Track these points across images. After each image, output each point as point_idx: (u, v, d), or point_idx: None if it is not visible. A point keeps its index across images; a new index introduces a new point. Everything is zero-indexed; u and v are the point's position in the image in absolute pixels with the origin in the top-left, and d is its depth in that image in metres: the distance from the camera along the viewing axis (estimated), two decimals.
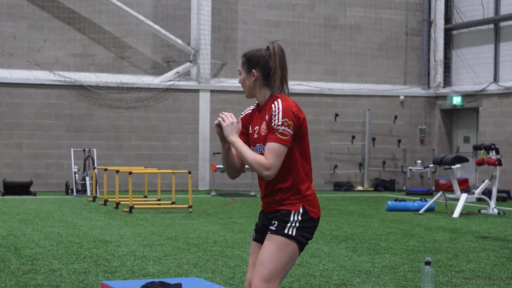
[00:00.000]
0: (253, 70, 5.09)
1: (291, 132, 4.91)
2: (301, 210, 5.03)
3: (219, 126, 5.08)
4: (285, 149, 4.92)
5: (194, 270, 9.35)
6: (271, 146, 4.91)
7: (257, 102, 5.20)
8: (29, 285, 8.27)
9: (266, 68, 5.10)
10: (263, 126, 5.03)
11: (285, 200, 5.04)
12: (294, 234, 5.00)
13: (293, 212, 5.02)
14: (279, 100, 5.00)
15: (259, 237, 5.22)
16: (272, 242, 5.01)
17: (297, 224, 5.02)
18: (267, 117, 5.00)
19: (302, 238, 5.03)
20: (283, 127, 4.90)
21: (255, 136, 5.08)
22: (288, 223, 5.01)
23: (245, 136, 5.20)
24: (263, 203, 5.19)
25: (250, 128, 5.16)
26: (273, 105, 4.98)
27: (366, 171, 26.43)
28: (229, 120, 5.06)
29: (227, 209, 17.96)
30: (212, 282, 8.13)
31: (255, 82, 5.10)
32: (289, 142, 4.92)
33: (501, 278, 9.14)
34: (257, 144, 5.08)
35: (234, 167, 5.23)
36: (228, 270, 9.35)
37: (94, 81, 23.73)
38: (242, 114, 5.27)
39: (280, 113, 4.94)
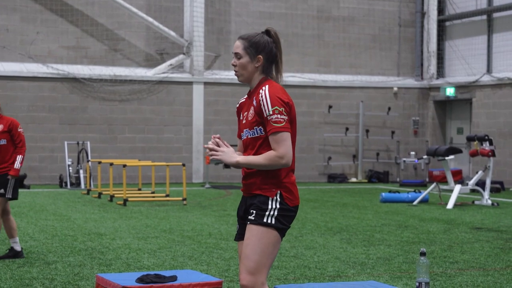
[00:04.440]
0: (260, 56, 5.07)
1: (286, 116, 4.91)
2: (277, 198, 5.02)
3: (211, 153, 5.06)
4: (286, 134, 4.91)
5: (189, 262, 9.35)
6: (272, 137, 4.92)
7: (249, 88, 5.20)
8: (24, 278, 8.27)
9: (270, 55, 5.10)
10: (251, 111, 5.04)
11: (263, 184, 5.02)
12: (273, 222, 5.00)
13: (270, 198, 5.02)
14: (266, 86, 4.99)
15: (242, 232, 5.22)
16: (253, 234, 5.02)
17: (275, 213, 5.02)
18: (254, 102, 5.00)
19: (282, 225, 5.02)
20: (275, 116, 4.89)
21: (243, 122, 5.09)
22: (266, 211, 5.01)
23: None
24: (243, 186, 5.19)
25: (242, 115, 5.16)
26: (260, 91, 4.98)
27: (360, 163, 26.46)
28: (220, 150, 5.04)
29: (221, 202, 17.97)
30: (207, 274, 8.13)
31: (257, 68, 5.09)
32: (287, 128, 4.91)
33: (495, 268, 9.17)
34: (244, 130, 5.09)
35: None
36: (223, 262, 9.36)
37: (87, 74, 23.69)
38: (237, 105, 5.28)
39: (269, 102, 4.93)
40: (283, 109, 4.91)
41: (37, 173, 23.16)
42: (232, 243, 11.05)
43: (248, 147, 5.11)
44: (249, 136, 5.08)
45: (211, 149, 5.04)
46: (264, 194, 5.02)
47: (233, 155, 5.02)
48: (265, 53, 5.08)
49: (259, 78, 5.10)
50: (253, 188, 5.06)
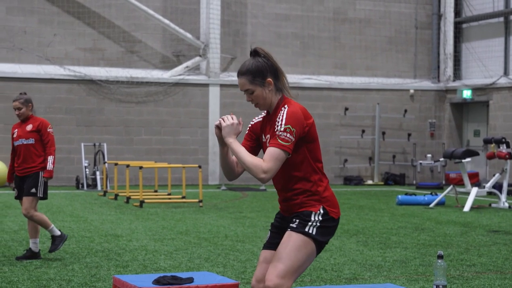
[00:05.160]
0: (268, 79, 5.03)
1: (293, 139, 4.88)
2: (321, 211, 5.04)
3: (218, 128, 5.02)
4: (284, 155, 4.88)
5: (205, 264, 9.36)
6: (271, 150, 4.88)
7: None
8: (41, 279, 8.30)
9: (274, 72, 5.06)
10: None
11: (304, 203, 5.05)
12: (314, 233, 5.01)
13: (313, 212, 5.04)
14: (285, 106, 4.99)
15: (272, 241, 5.22)
16: (291, 240, 5.01)
17: (318, 224, 5.03)
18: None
19: (322, 238, 5.04)
20: (284, 133, 4.87)
21: (268, 144, 5.03)
22: (309, 222, 5.03)
23: (253, 141, 5.18)
24: (282, 206, 5.20)
25: (263, 137, 5.14)
26: (280, 111, 4.97)
27: (376, 165, 26.41)
28: (229, 121, 4.99)
29: (238, 203, 17.98)
30: (224, 276, 8.14)
31: (271, 91, 5.05)
32: (290, 149, 4.88)
33: None
34: None
35: (234, 171, 5.18)
36: (239, 264, 9.36)
37: (104, 76, 23.76)
38: (252, 122, 5.24)
39: (284, 119, 4.91)
40: (295, 130, 4.88)
41: (54, 175, 23.12)
42: (249, 245, 11.05)
43: (277, 173, 5.08)
44: None
45: (224, 117, 5.00)
46: (308, 210, 5.05)
47: (231, 134, 4.96)
48: (270, 73, 5.04)
49: (277, 99, 5.07)
50: (295, 208, 5.08)
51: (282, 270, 4.94)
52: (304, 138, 4.98)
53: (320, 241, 5.04)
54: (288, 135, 4.87)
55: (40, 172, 9.58)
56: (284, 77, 5.11)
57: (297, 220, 5.03)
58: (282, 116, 4.93)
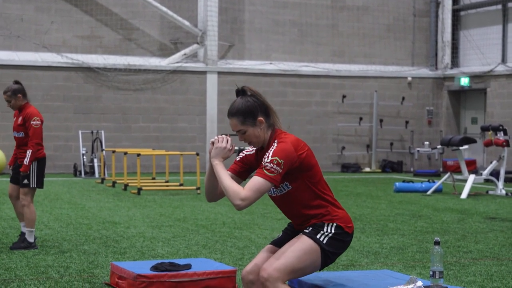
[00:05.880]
0: (260, 118, 5.07)
1: (280, 170, 4.90)
2: (334, 224, 5.13)
3: (213, 144, 5.09)
4: (268, 186, 4.91)
5: (203, 251, 9.39)
6: (254, 180, 4.93)
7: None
8: (39, 266, 8.32)
9: (264, 110, 5.09)
10: None
11: (317, 223, 5.16)
12: (324, 242, 5.07)
13: (327, 223, 5.13)
14: (276, 141, 5.02)
15: (283, 238, 5.30)
16: (301, 241, 5.08)
17: (330, 235, 5.10)
18: None
19: (330, 249, 5.09)
20: (271, 164, 4.90)
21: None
22: (322, 231, 5.10)
23: (242, 167, 5.24)
24: (295, 226, 5.32)
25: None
26: (271, 146, 5.02)
27: (373, 153, 26.43)
28: (222, 144, 5.04)
29: None
30: (221, 262, 8.17)
31: (263, 129, 5.09)
32: (275, 180, 4.92)
33: (509, 258, 9.16)
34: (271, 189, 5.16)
35: (216, 191, 5.24)
36: (237, 251, 9.39)
37: (101, 63, 23.73)
38: (243, 154, 5.29)
39: (272, 152, 4.95)
40: (283, 161, 4.90)
41: (52, 162, 23.21)
42: (246, 232, 11.08)
43: (282, 205, 5.21)
44: (278, 194, 5.17)
45: (220, 138, 5.07)
46: (322, 222, 5.14)
47: (219, 157, 5.03)
48: (260, 112, 5.07)
49: (269, 134, 5.11)
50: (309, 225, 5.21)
51: (280, 264, 4.97)
52: (300, 168, 5.03)
53: (327, 252, 5.08)
54: (275, 166, 4.90)
55: (32, 163, 9.52)
56: (274, 113, 5.13)
57: (311, 228, 5.12)
58: (271, 150, 4.96)
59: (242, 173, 5.24)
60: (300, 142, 5.05)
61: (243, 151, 5.30)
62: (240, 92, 5.11)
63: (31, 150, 9.44)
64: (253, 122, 5.04)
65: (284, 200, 5.17)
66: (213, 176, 5.14)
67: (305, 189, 5.08)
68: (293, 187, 5.07)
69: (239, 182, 5.22)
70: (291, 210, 5.19)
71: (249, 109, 5.03)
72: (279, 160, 4.89)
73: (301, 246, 5.03)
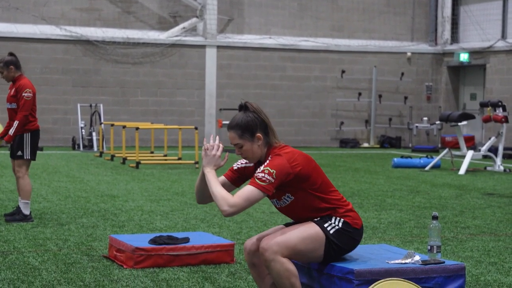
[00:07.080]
0: (258, 134, 5.13)
1: (272, 180, 4.95)
2: (341, 218, 5.19)
3: (205, 151, 5.18)
4: (258, 194, 4.96)
5: (201, 225, 9.40)
6: (245, 188, 4.99)
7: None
8: (38, 238, 8.34)
9: (264, 127, 5.15)
10: None
11: (326, 216, 5.23)
12: (331, 232, 5.12)
13: (335, 216, 5.19)
14: (270, 156, 5.08)
15: (293, 223, 5.37)
16: (307, 225, 5.15)
17: (337, 227, 5.16)
18: None
19: (336, 240, 5.14)
20: (262, 174, 4.97)
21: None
22: (330, 221, 5.16)
23: (236, 175, 5.33)
24: None
25: None
26: (267, 160, 5.08)
27: (372, 128, 26.43)
28: (214, 153, 5.15)
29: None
30: (219, 236, 8.18)
31: (260, 145, 5.15)
32: (266, 189, 4.96)
33: (507, 234, 9.19)
34: (273, 200, 5.22)
35: (205, 194, 5.29)
36: (235, 225, 9.41)
37: (100, 36, 23.66)
38: (238, 164, 5.35)
39: (265, 164, 5.03)
40: (275, 171, 4.95)
41: (50, 135, 23.24)
42: None
43: (289, 214, 5.28)
44: (282, 206, 5.23)
45: (208, 148, 5.18)
46: (330, 215, 5.21)
47: (210, 165, 5.13)
48: (259, 129, 5.13)
49: (265, 151, 5.17)
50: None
51: (282, 240, 5.02)
52: (297, 180, 5.07)
53: (331, 242, 5.12)
54: (266, 175, 4.95)
55: (25, 135, 9.48)
56: (273, 131, 5.18)
57: (320, 217, 5.19)
58: (266, 162, 5.05)
59: (236, 180, 5.34)
60: (295, 155, 5.09)
61: (241, 161, 5.37)
62: (243, 107, 5.19)
63: (18, 121, 9.38)
64: (251, 138, 5.12)
65: (290, 210, 5.25)
66: (203, 182, 5.22)
67: (308, 197, 5.15)
68: (296, 197, 5.15)
69: (232, 189, 5.33)
70: (299, 216, 5.27)
71: (249, 124, 5.11)
72: (271, 170, 4.96)
73: (307, 230, 5.10)
